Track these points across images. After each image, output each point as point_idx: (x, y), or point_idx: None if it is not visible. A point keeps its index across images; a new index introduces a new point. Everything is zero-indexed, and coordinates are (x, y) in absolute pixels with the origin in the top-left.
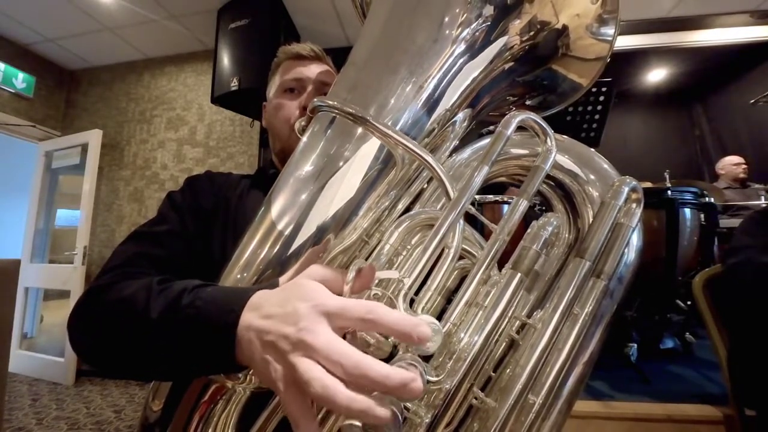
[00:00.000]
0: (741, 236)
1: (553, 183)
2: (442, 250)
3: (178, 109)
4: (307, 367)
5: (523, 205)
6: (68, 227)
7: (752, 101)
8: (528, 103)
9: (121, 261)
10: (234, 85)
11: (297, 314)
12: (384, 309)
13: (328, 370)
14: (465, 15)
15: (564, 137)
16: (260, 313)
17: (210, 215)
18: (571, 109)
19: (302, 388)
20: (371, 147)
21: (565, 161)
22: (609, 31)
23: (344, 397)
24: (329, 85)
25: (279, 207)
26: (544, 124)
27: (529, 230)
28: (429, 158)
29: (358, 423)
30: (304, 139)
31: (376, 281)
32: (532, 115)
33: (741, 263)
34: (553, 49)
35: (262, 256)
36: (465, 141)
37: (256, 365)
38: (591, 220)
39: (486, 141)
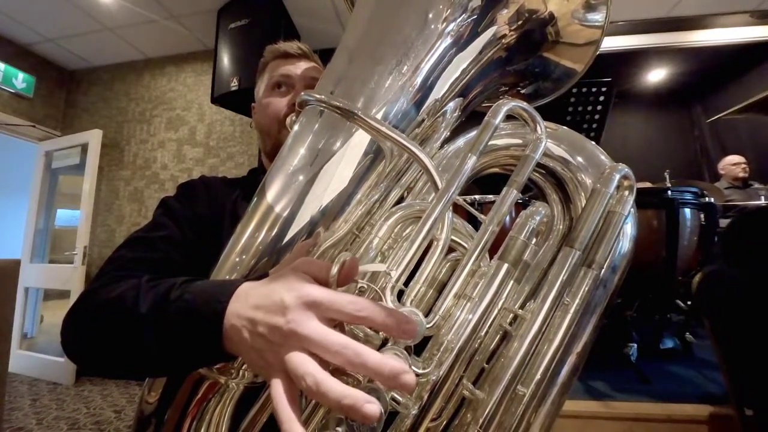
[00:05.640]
0: (721, 241)
1: (544, 171)
2: (431, 242)
3: (178, 109)
4: (300, 361)
5: (512, 195)
6: (68, 227)
7: (708, 120)
8: (523, 92)
9: (114, 266)
10: (234, 85)
11: (284, 305)
12: (372, 306)
13: (320, 360)
14: (452, 5)
15: (556, 126)
16: (248, 303)
17: (207, 223)
18: (571, 109)
19: (292, 379)
20: (360, 140)
21: (556, 148)
22: (598, 16)
23: (336, 393)
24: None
25: (271, 197)
26: (533, 112)
27: (517, 220)
28: (416, 149)
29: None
30: (293, 132)
31: (363, 275)
32: (521, 103)
33: (713, 273)
34: (543, 37)
35: (260, 239)
36: (459, 132)
37: (246, 354)
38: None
39: None
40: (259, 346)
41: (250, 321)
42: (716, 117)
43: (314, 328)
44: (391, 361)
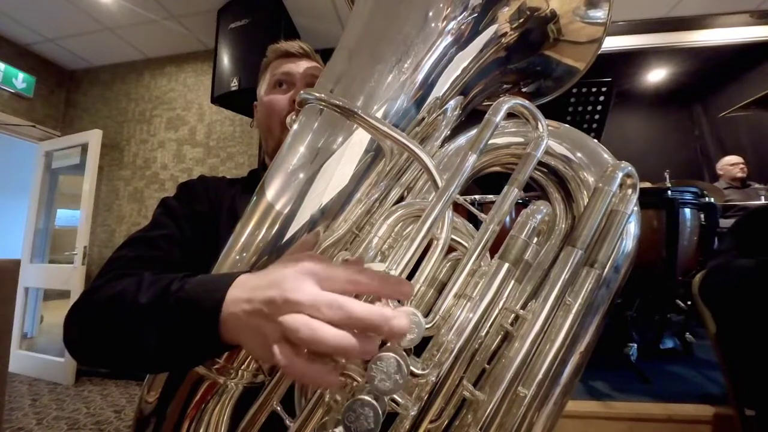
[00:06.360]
0: (727, 237)
1: (546, 170)
2: (431, 241)
3: (178, 109)
4: (292, 319)
5: (513, 193)
6: (68, 227)
7: (721, 114)
8: (524, 90)
9: (115, 266)
10: (234, 85)
11: (282, 277)
12: (367, 272)
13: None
14: (453, 3)
15: (558, 124)
16: (246, 288)
17: (206, 220)
18: (571, 109)
19: (293, 344)
20: (360, 138)
21: (557, 146)
22: (599, 13)
23: (332, 333)
24: None
25: (271, 195)
26: (535, 110)
27: (518, 219)
28: (415, 148)
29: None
30: (293, 130)
31: None
32: (522, 101)
33: (719, 267)
34: (544, 35)
35: (260, 237)
36: (460, 130)
37: (244, 337)
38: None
39: None
40: (256, 323)
41: (247, 301)
42: (728, 112)
43: (305, 291)
44: (379, 308)
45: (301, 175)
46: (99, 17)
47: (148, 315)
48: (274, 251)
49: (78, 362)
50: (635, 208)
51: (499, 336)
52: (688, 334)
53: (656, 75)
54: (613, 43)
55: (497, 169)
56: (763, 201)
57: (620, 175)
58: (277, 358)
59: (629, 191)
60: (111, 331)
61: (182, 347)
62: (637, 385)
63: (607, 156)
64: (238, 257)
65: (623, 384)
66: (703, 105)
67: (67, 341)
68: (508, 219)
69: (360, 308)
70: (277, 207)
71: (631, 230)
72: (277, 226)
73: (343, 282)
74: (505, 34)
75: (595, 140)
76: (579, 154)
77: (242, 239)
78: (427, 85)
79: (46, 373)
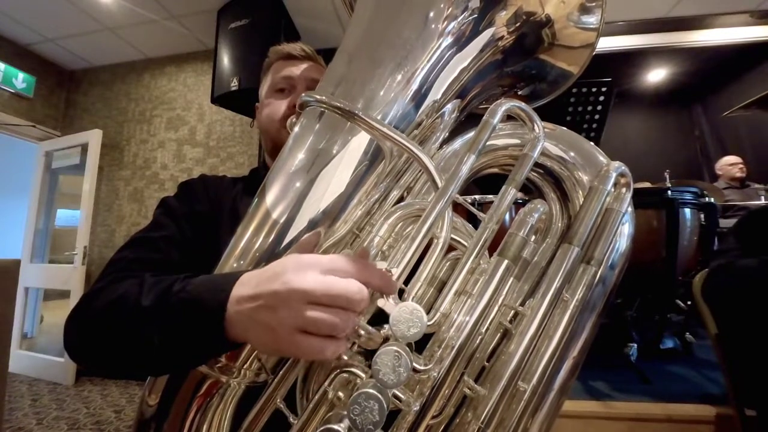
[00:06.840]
0: (729, 237)
1: (542, 170)
2: (431, 240)
3: (178, 109)
4: (316, 313)
5: (511, 193)
6: (68, 227)
7: (724, 114)
8: (520, 93)
9: (116, 267)
10: (234, 85)
11: (283, 269)
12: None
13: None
14: (451, 7)
15: (554, 126)
16: (249, 286)
17: (205, 219)
18: (571, 109)
19: (306, 332)
20: (360, 140)
21: (553, 147)
22: (592, 19)
23: (354, 318)
24: None
25: (271, 200)
26: (531, 112)
27: (516, 217)
28: (415, 149)
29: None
30: (293, 133)
31: None
32: (519, 103)
33: (722, 267)
34: (539, 39)
35: (257, 245)
36: (458, 133)
37: (252, 335)
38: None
39: None
40: (264, 319)
41: (252, 298)
42: (728, 112)
43: (310, 278)
44: (378, 272)
45: (302, 178)
46: (99, 17)
47: (151, 317)
48: (272, 258)
49: (78, 365)
50: (629, 208)
51: (499, 334)
52: (688, 334)
53: (656, 75)
54: (613, 43)
55: (495, 170)
56: (762, 201)
57: (614, 174)
58: (303, 348)
59: (623, 190)
60: (114, 335)
61: (187, 346)
62: (637, 385)
63: (602, 157)
64: (236, 265)
65: (623, 384)
66: (703, 105)
67: (67, 345)
68: (507, 219)
69: (337, 288)
70: (277, 211)
71: (625, 230)
72: (276, 232)
73: (350, 270)
74: (501, 38)
75: (591, 142)
76: (574, 155)
77: (241, 244)
78: (426, 89)
79: (46, 373)
